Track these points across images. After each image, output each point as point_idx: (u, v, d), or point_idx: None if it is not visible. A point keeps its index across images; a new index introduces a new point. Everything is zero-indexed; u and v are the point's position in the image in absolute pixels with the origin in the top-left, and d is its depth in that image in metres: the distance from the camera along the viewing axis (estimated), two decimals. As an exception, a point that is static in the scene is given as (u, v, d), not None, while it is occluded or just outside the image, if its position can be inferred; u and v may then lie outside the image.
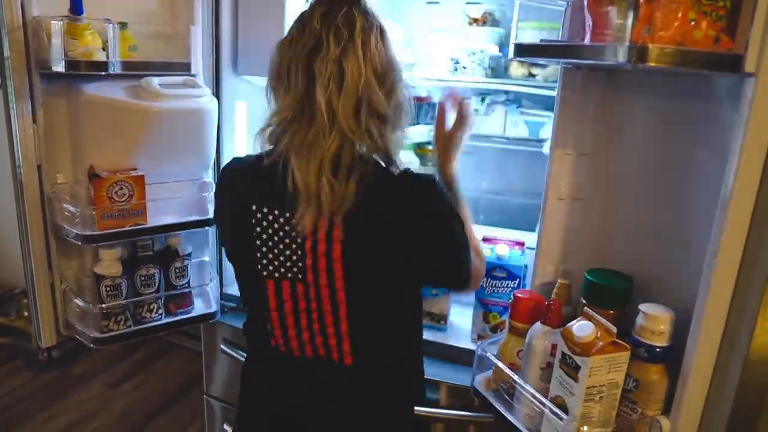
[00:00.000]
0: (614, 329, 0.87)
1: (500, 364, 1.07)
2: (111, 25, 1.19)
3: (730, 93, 0.87)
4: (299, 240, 0.95)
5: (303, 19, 0.94)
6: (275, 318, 1.03)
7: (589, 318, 0.91)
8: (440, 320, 1.47)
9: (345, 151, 0.91)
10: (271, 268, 0.99)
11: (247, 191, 1.00)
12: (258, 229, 0.98)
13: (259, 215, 0.97)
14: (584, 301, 1.02)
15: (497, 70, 1.67)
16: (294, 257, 0.97)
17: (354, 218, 0.91)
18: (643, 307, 0.92)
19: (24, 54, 1.19)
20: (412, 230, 0.94)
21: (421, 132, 1.76)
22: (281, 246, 0.97)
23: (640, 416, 0.91)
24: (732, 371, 0.86)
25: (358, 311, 0.98)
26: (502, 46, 1.68)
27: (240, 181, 1.03)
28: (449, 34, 1.74)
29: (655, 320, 0.90)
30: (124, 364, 3.02)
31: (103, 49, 1.20)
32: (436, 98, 1.88)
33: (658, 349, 0.90)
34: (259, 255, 0.99)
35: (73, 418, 2.58)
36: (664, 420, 0.90)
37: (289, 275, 0.99)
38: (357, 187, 0.90)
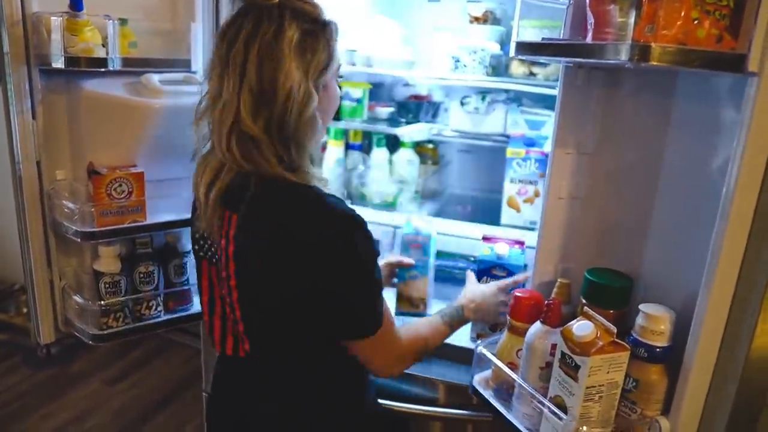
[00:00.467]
0: (614, 329, 0.87)
1: (499, 363, 1.07)
2: (111, 21, 1.18)
3: (732, 93, 0.86)
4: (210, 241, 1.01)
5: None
6: (205, 302, 1.07)
7: (589, 318, 0.90)
8: (419, 305, 1.44)
9: (224, 168, 0.93)
10: (205, 248, 1.03)
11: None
12: (197, 213, 1.01)
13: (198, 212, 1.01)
14: (584, 301, 1.02)
15: (498, 68, 1.67)
16: (214, 245, 1.01)
17: (244, 226, 0.93)
18: (643, 307, 0.92)
19: (23, 50, 1.19)
20: (304, 259, 0.90)
21: (421, 131, 1.76)
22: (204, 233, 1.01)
23: (639, 416, 0.91)
24: (732, 372, 0.85)
25: (249, 310, 0.98)
26: (503, 44, 1.68)
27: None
28: (450, 32, 1.73)
29: (655, 320, 0.90)
30: (123, 362, 3.01)
31: (103, 46, 1.19)
32: (436, 97, 1.89)
33: (658, 349, 0.90)
34: (197, 236, 1.04)
35: (71, 415, 2.58)
36: (664, 420, 0.89)
37: (214, 260, 1.02)
38: (221, 192, 0.93)
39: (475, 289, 1.26)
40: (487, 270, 1.38)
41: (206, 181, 0.95)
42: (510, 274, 1.34)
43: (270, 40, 0.88)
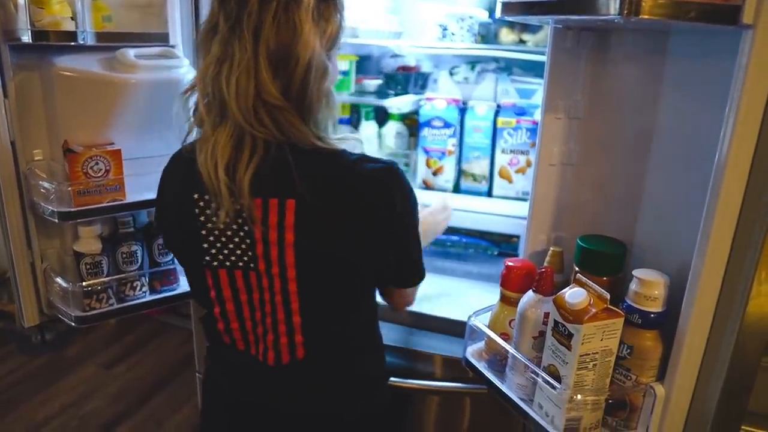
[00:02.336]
0: (607, 296, 0.85)
1: (492, 334, 1.05)
2: (79, -8, 1.14)
3: (726, 49, 0.83)
4: (246, 228, 0.88)
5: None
6: (231, 310, 0.97)
7: (582, 285, 0.88)
8: (482, 180, 1.62)
9: (246, 141, 0.84)
10: (221, 257, 0.92)
11: (186, 179, 0.92)
12: (202, 219, 0.91)
13: (201, 203, 0.91)
14: (577, 269, 1.00)
15: (487, 36, 1.63)
16: (243, 245, 0.90)
17: (305, 203, 0.86)
18: (636, 272, 0.90)
19: (-9, 26, 1.14)
20: (370, 222, 0.88)
21: (409, 102, 1.72)
22: (229, 233, 0.90)
23: (634, 383, 0.90)
24: (727, 335, 0.84)
25: (311, 302, 0.93)
26: (492, 11, 1.63)
27: (182, 169, 0.95)
28: (436, 0, 1.69)
29: (649, 285, 0.88)
30: (118, 346, 3.01)
31: (73, 19, 1.15)
32: (425, 67, 1.84)
33: (652, 315, 0.88)
34: (206, 245, 0.92)
35: (68, 400, 2.58)
36: (659, 387, 0.88)
37: (240, 264, 0.91)
38: (252, 177, 0.84)
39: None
40: (428, 122, 1.65)
41: (224, 162, 0.84)
42: (446, 125, 1.62)
43: (288, 3, 0.83)
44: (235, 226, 0.89)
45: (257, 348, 0.98)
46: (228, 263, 0.92)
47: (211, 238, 0.91)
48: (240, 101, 0.82)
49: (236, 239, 0.90)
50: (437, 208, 1.38)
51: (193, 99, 0.91)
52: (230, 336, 1.00)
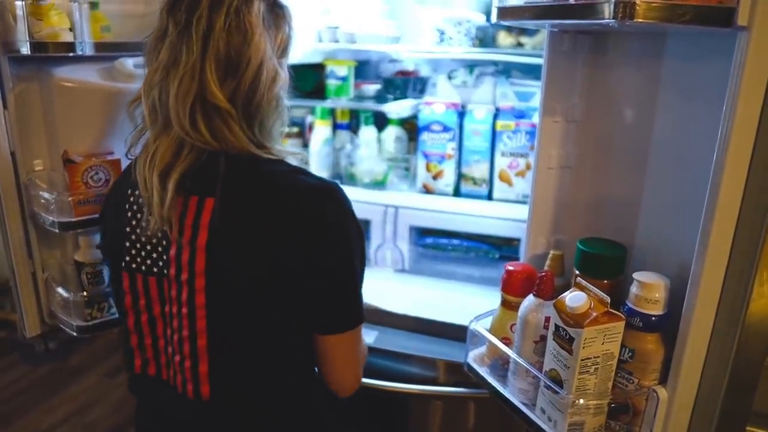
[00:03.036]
0: (608, 299, 0.84)
1: (493, 339, 1.05)
2: (76, 3, 1.14)
3: (722, 51, 0.83)
4: (165, 240, 0.85)
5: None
6: (144, 322, 0.90)
7: (582, 288, 0.88)
8: (482, 183, 1.61)
9: (184, 148, 0.83)
10: (139, 260, 0.88)
11: (126, 180, 0.91)
12: (129, 216, 0.89)
13: (134, 206, 0.89)
14: (577, 272, 1.00)
15: (484, 40, 1.64)
16: (160, 248, 0.86)
17: (223, 203, 0.83)
18: (637, 275, 0.89)
19: (-11, 37, 1.15)
20: (300, 243, 0.83)
21: (408, 106, 1.72)
22: (149, 235, 0.86)
23: (636, 387, 0.89)
24: (729, 337, 0.83)
25: (219, 322, 0.84)
26: (489, 15, 1.63)
27: (128, 172, 0.91)
28: (433, 4, 1.69)
29: (649, 288, 0.87)
30: (121, 355, 3.00)
31: (71, 30, 1.15)
32: (423, 72, 1.85)
33: (653, 318, 0.87)
34: (128, 245, 0.88)
35: (72, 409, 2.57)
36: (661, 390, 0.88)
37: (155, 269, 0.87)
38: (179, 177, 0.82)
39: None
40: (427, 126, 1.65)
41: (160, 168, 0.82)
42: (445, 129, 1.61)
43: (238, 7, 0.82)
44: (159, 233, 0.86)
45: (170, 374, 0.90)
46: (144, 267, 0.88)
47: (133, 237, 0.88)
48: (179, 102, 0.81)
49: (154, 241, 0.87)
50: None
51: (139, 110, 0.90)
52: (142, 356, 0.92)
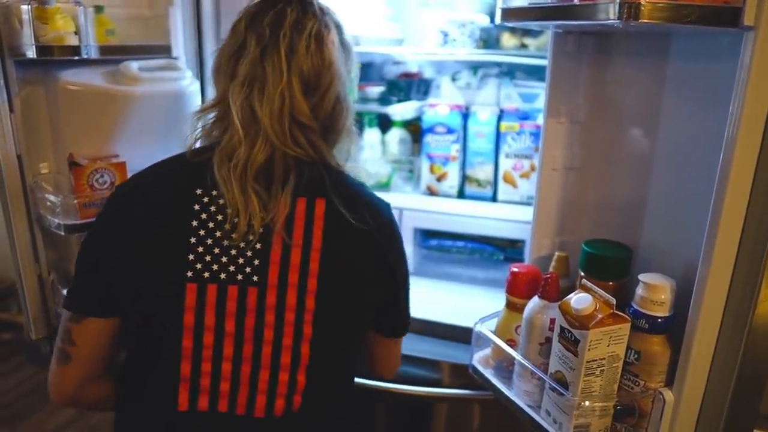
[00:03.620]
0: (613, 301, 0.84)
1: (498, 341, 1.05)
2: (81, 7, 1.15)
3: (728, 51, 0.83)
4: (255, 235, 0.81)
5: (234, 20, 0.89)
6: (209, 345, 0.80)
7: (588, 290, 0.88)
8: (486, 185, 1.62)
9: (277, 160, 0.83)
10: (214, 268, 0.80)
11: (188, 182, 0.84)
12: (195, 224, 0.81)
13: (203, 214, 0.82)
14: (582, 273, 0.99)
15: (488, 41, 1.63)
16: (248, 253, 0.81)
17: (334, 206, 0.84)
18: (642, 276, 0.89)
19: (-5, 42, 1.15)
20: (386, 264, 0.89)
21: (412, 108, 1.72)
22: (226, 243, 0.81)
23: (642, 389, 0.89)
24: (736, 339, 0.83)
25: (325, 330, 0.84)
26: (493, 16, 1.63)
27: (183, 172, 0.86)
28: (437, 6, 1.69)
29: (655, 290, 0.87)
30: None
31: (76, 33, 1.16)
32: (427, 74, 1.85)
33: (659, 320, 0.87)
34: (192, 257, 0.80)
35: (78, 411, 2.58)
36: (667, 392, 0.87)
37: (240, 277, 0.81)
38: (293, 197, 0.82)
39: None
40: (431, 128, 1.64)
41: (254, 171, 0.81)
42: (449, 131, 1.61)
43: (318, 33, 0.86)
44: (250, 236, 0.81)
45: (234, 399, 0.81)
46: (224, 275, 0.80)
47: (201, 249, 0.80)
48: (274, 121, 0.82)
49: (240, 247, 0.81)
50: None
51: (204, 120, 0.90)
52: (193, 389, 0.80)
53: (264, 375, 0.81)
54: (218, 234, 0.81)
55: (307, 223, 0.83)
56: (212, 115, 0.89)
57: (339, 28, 0.92)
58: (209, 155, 0.83)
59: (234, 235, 0.80)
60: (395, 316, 0.98)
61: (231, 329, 0.81)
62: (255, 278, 0.81)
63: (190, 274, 0.80)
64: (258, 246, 0.81)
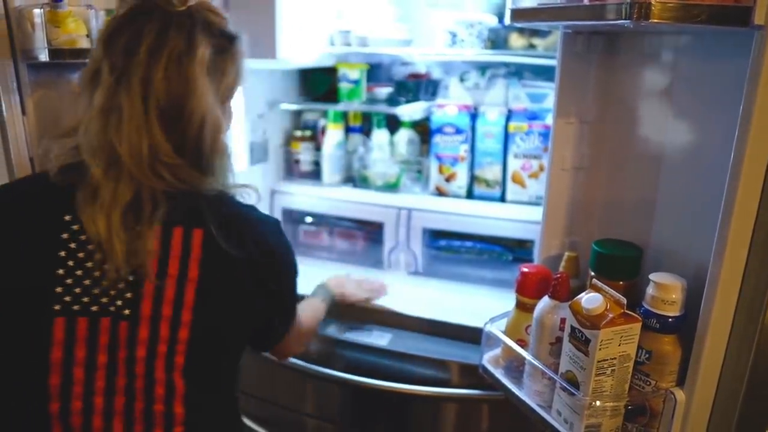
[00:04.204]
0: (624, 300, 0.84)
1: (508, 341, 1.05)
2: (93, 10, 1.16)
3: (738, 50, 0.83)
4: (132, 276, 0.77)
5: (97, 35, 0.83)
6: (79, 380, 0.75)
7: (598, 290, 0.88)
8: (495, 185, 1.63)
9: (144, 195, 0.77)
10: (85, 300, 0.76)
11: (52, 210, 0.79)
12: (63, 254, 0.77)
13: (72, 243, 0.77)
14: (593, 273, 0.99)
15: (496, 41, 1.63)
16: (120, 285, 0.77)
17: (212, 236, 0.80)
18: (653, 276, 0.89)
19: (9, 45, 1.16)
20: (259, 273, 0.85)
21: (420, 109, 1.73)
22: (98, 274, 0.76)
23: (653, 389, 0.89)
24: (748, 338, 0.83)
25: (199, 360, 0.80)
26: (501, 16, 1.64)
27: (46, 196, 0.81)
28: (445, 7, 1.69)
29: (666, 289, 0.87)
30: None
31: (88, 36, 1.17)
32: (435, 74, 1.85)
33: (670, 319, 0.87)
34: (62, 288, 0.76)
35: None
36: (679, 392, 0.87)
37: (112, 309, 0.76)
38: (166, 228, 0.78)
39: (339, 274, 1.46)
40: (439, 129, 1.65)
41: (122, 205, 0.76)
42: (458, 131, 1.62)
43: (180, 56, 0.78)
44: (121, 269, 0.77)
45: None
46: (95, 308, 0.76)
47: (70, 281, 0.76)
48: (135, 159, 0.77)
49: (112, 278, 0.77)
50: (357, 278, 1.47)
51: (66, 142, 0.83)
52: (63, 427, 0.75)
53: (138, 406, 0.77)
54: (89, 264, 0.77)
55: (183, 253, 0.79)
56: (71, 140, 0.82)
57: (211, 28, 0.83)
58: (76, 179, 0.78)
59: (106, 266, 0.76)
60: (268, 334, 0.98)
61: (103, 362, 0.76)
62: (126, 312, 0.77)
63: (57, 307, 0.75)
64: (131, 278, 0.77)
